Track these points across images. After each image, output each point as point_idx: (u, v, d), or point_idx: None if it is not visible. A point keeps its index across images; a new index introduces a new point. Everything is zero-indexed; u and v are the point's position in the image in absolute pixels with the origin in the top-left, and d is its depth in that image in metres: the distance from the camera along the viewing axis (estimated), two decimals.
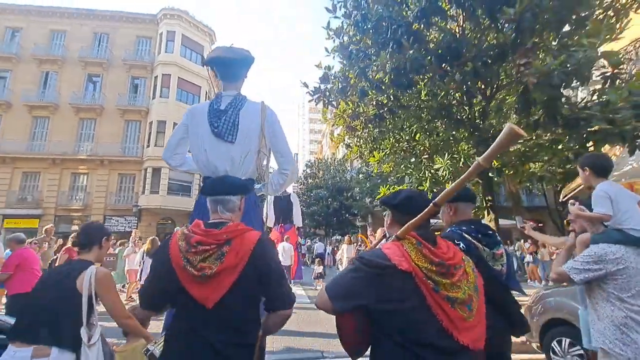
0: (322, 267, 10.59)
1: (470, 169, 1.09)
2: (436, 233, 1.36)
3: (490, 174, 5.14)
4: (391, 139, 6.20)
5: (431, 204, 1.16)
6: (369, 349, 1.20)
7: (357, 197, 20.16)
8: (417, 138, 5.83)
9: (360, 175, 19.17)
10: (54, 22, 21.84)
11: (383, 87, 4.65)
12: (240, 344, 1.28)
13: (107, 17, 22.24)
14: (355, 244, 12.12)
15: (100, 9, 22.34)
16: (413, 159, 6.50)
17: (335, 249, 18.10)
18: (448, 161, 4.89)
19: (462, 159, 5.14)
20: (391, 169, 7.45)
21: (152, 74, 21.72)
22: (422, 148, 6.02)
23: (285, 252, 10.08)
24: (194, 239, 1.30)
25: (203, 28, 23.62)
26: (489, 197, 5.26)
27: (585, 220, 2.22)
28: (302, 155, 51.30)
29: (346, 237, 12.33)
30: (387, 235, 1.39)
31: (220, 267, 1.26)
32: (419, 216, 1.15)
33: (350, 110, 5.69)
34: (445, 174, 5.11)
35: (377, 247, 1.35)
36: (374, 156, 6.40)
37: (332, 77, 5.43)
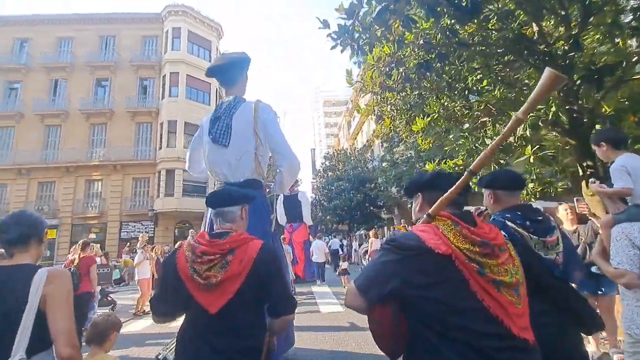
0: (346, 262, 10.13)
1: (509, 124, 0.97)
2: None
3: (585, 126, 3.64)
4: (441, 99, 4.77)
5: (467, 172, 1.01)
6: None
7: (382, 188, 18.69)
8: (482, 87, 4.30)
9: (385, 164, 17.67)
10: (60, 29, 21.49)
11: (438, 9, 3.26)
12: (245, 348, 1.33)
13: (111, 20, 21.72)
14: (382, 238, 11.19)
15: (104, 12, 21.86)
16: (467, 125, 5.05)
17: (360, 245, 16.85)
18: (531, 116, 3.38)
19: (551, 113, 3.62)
20: (431, 143, 5.97)
21: (160, 73, 21.02)
22: (482, 107, 4.56)
23: (319, 250, 9.86)
24: (199, 249, 1.36)
25: (209, 23, 22.73)
26: (588, 163, 3.75)
27: (606, 197, 2.16)
28: (320, 150, 50.20)
29: (372, 231, 11.69)
30: (415, 219, 1.20)
31: (224, 276, 1.31)
32: (453, 187, 1.02)
33: (387, 58, 4.21)
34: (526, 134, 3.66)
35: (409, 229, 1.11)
36: (416, 124, 4.97)
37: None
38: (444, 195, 1.03)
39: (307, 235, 10.14)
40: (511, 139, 4.20)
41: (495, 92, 4.17)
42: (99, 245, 10.22)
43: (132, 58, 20.99)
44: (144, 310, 7.48)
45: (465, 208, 1.29)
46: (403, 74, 4.11)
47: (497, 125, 4.55)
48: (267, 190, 2.51)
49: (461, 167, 4.87)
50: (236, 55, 2.19)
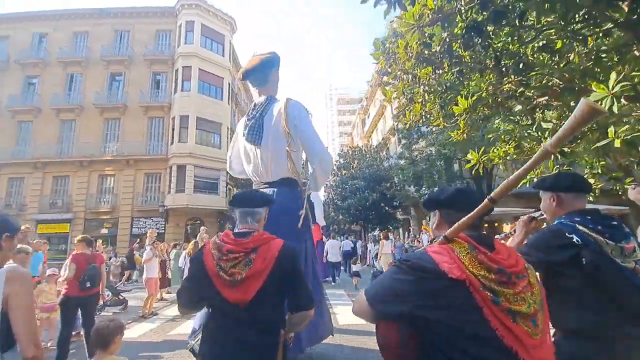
0: (358, 264, 10.23)
1: (535, 156, 0.93)
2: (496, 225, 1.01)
3: None
4: (487, 77, 3.94)
5: (486, 199, 0.97)
6: None
7: (399, 187, 17.82)
8: (556, 48, 3.36)
9: (403, 161, 16.79)
10: (76, 24, 21.54)
11: None
12: (267, 340, 1.42)
13: (126, 14, 21.60)
14: (392, 240, 11.02)
15: (119, 6, 21.71)
16: (518, 107, 4.22)
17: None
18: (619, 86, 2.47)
19: None
20: (466, 133, 5.13)
21: (172, 67, 20.75)
22: (541, 83, 3.69)
23: (333, 249, 9.91)
24: (225, 247, 1.45)
25: (223, 16, 22.31)
26: None
27: None
28: (332, 149, 49.49)
29: (382, 232, 11.37)
30: (433, 237, 1.16)
31: (248, 273, 1.40)
32: (472, 213, 0.97)
33: (430, 15, 3.35)
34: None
35: (422, 248, 1.08)
36: (457, 105, 4.15)
37: None
38: (462, 219, 0.98)
39: (320, 235, 9.97)
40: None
41: (573, 58, 3.30)
42: (101, 241, 9.80)
43: (146, 52, 20.80)
44: (152, 312, 6.99)
45: (527, 213, 1.47)
46: (447, 39, 3.31)
47: (558, 107, 3.70)
48: (305, 187, 2.33)
49: (514, 157, 4.06)
50: (266, 55, 2.19)
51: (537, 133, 3.73)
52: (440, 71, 4.46)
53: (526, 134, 4.02)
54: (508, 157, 4.15)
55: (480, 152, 4.14)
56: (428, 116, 5.55)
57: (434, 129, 16.67)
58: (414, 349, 0.94)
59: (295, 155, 2.06)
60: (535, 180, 2.14)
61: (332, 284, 9.73)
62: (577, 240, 1.29)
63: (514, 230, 1.97)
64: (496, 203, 0.98)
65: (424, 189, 15.33)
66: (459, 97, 4.12)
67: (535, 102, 3.95)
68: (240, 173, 2.46)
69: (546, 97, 3.88)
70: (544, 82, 3.63)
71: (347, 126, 49.10)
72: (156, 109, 20.35)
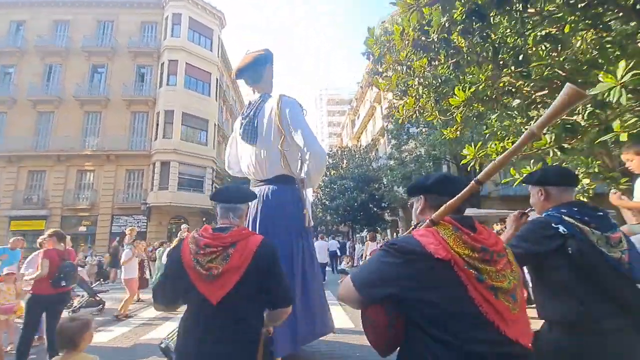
0: (345, 262, 10.66)
1: (521, 137, 0.98)
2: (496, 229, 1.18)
3: None
4: (485, 69, 3.76)
5: (473, 181, 1.01)
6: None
7: (388, 188, 17.72)
8: (563, 33, 3.15)
9: (392, 162, 16.69)
10: (57, 12, 20.63)
11: None
12: (245, 336, 1.39)
13: (110, 4, 20.82)
14: (379, 242, 10.84)
15: None
16: (516, 102, 4.06)
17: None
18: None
19: None
20: (459, 130, 4.97)
21: (158, 61, 20.11)
22: (540, 76, 3.52)
23: (321, 250, 9.54)
24: (202, 241, 1.43)
25: (211, 10, 21.80)
26: None
27: (625, 209, 2.26)
28: None
29: (369, 234, 11.28)
30: (416, 223, 1.18)
31: (225, 267, 1.38)
32: (459, 195, 1.01)
33: None
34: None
35: (407, 232, 1.13)
36: (453, 97, 3.95)
37: None
38: (449, 202, 1.02)
39: None
40: (579, 118, 3.22)
41: (581, 45, 3.11)
42: (69, 238, 9.24)
43: (130, 44, 20.10)
44: (127, 314, 6.57)
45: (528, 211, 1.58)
46: (446, 25, 3.10)
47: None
48: (302, 185, 2.29)
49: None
50: (258, 52, 2.16)
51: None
52: (436, 63, 4.27)
53: (523, 130, 3.85)
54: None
55: (476, 148, 3.97)
56: (422, 111, 5.36)
57: (423, 130, 16.63)
58: (401, 329, 0.99)
59: (289, 153, 2.04)
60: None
61: (323, 282, 9.56)
62: (564, 230, 1.32)
63: (504, 228, 2.01)
64: (482, 184, 1.02)
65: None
66: (456, 88, 3.93)
67: (533, 97, 3.80)
68: (239, 172, 2.45)
69: (545, 92, 3.74)
70: (545, 74, 3.47)
71: (336, 127, 48.91)
72: (140, 103, 19.67)
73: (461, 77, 4.17)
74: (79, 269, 8.44)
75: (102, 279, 10.61)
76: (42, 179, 18.79)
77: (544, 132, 3.41)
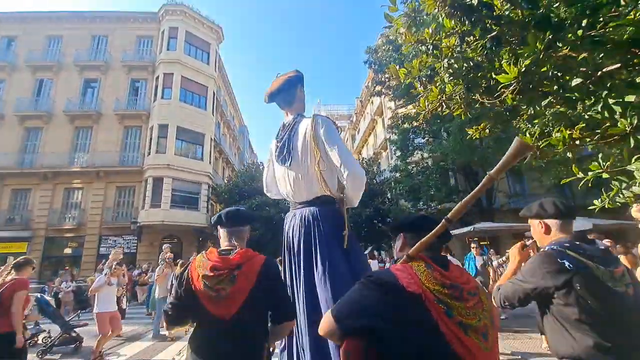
0: None
1: (483, 181, 1.08)
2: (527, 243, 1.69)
3: None
4: (541, 36, 2.84)
5: (443, 220, 1.09)
6: None
7: (393, 201, 16.73)
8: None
9: (397, 174, 15.77)
10: (50, 27, 20.21)
11: None
12: (252, 352, 1.48)
13: (105, 18, 20.43)
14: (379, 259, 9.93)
15: (98, 10, 20.60)
16: (578, 80, 3.12)
17: None
18: None
19: None
20: (489, 127, 4.07)
21: (153, 75, 19.50)
22: (625, 38, 2.60)
23: None
24: (210, 265, 1.50)
25: (209, 24, 21.45)
26: None
27: None
28: None
29: (369, 252, 10.35)
30: (396, 258, 1.25)
31: (233, 289, 1.46)
32: (431, 233, 1.09)
33: None
34: None
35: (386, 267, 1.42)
36: (502, 72, 3.00)
37: None
38: (422, 239, 1.09)
39: None
40: None
41: None
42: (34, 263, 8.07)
43: (124, 58, 19.54)
44: (101, 354, 5.36)
45: (526, 229, 1.75)
46: None
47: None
48: (342, 204, 2.11)
49: (586, 140, 2.96)
50: (289, 74, 2.18)
51: (604, 114, 2.60)
52: (470, 39, 3.36)
53: (587, 116, 2.91)
54: (572, 142, 3.00)
55: (535, 135, 2.99)
56: (448, 103, 4.45)
57: (429, 139, 15.85)
58: None
59: (326, 173, 1.90)
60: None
61: None
62: (569, 266, 1.33)
63: (503, 259, 2.06)
64: (452, 222, 1.09)
65: (421, 203, 14.28)
66: (504, 63, 2.95)
67: (603, 72, 2.84)
68: (277, 194, 2.39)
69: (618, 66, 2.78)
70: (625, 37, 2.53)
71: None
72: (133, 118, 18.88)
73: (496, 61, 3.29)
74: (47, 298, 7.28)
75: (80, 309, 9.36)
76: (27, 198, 17.71)
77: (617, 116, 2.48)
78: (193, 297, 1.47)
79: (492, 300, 1.62)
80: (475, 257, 6.33)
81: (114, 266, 6.03)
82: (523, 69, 2.82)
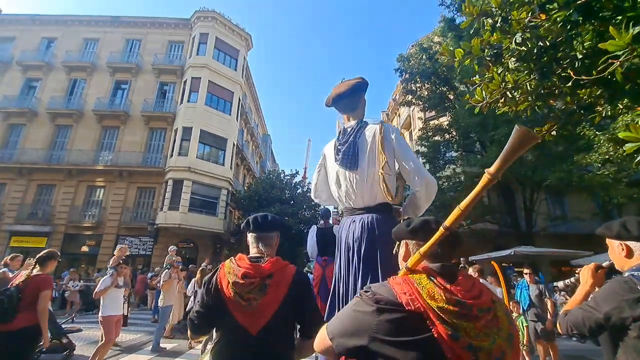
0: None
1: (480, 182, 0.93)
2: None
3: None
4: None
5: (441, 227, 0.96)
6: None
7: (423, 216, 15.63)
8: None
9: None
10: (87, 30, 20.93)
11: None
12: None
13: (139, 23, 20.97)
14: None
15: (133, 15, 21.17)
16: None
17: None
18: None
19: None
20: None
21: (181, 79, 19.64)
22: None
23: None
24: (241, 272, 1.43)
25: (239, 32, 21.60)
26: None
27: None
28: None
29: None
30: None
31: (264, 298, 1.39)
32: (428, 242, 0.96)
33: None
34: None
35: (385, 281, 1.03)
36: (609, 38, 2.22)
37: None
38: (421, 249, 0.98)
39: None
40: None
41: None
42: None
43: (155, 62, 19.82)
44: None
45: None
46: None
47: None
48: (398, 215, 2.08)
49: None
50: (355, 80, 2.16)
51: None
52: (554, 5, 2.62)
53: None
54: None
55: None
56: (513, 93, 3.65)
57: (462, 153, 14.86)
58: None
59: (389, 179, 1.87)
60: None
61: None
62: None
63: (571, 281, 1.84)
64: (450, 231, 0.95)
65: None
66: (610, 28, 2.15)
67: None
68: (327, 200, 2.30)
69: None
70: None
71: None
72: (159, 120, 18.95)
73: (577, 40, 2.53)
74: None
75: (84, 309, 8.91)
76: (51, 194, 17.88)
77: None
78: (222, 305, 1.41)
79: (557, 326, 1.49)
80: (528, 285, 5.34)
81: (120, 264, 5.45)
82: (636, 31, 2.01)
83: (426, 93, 15.65)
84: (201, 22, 20.23)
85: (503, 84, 3.58)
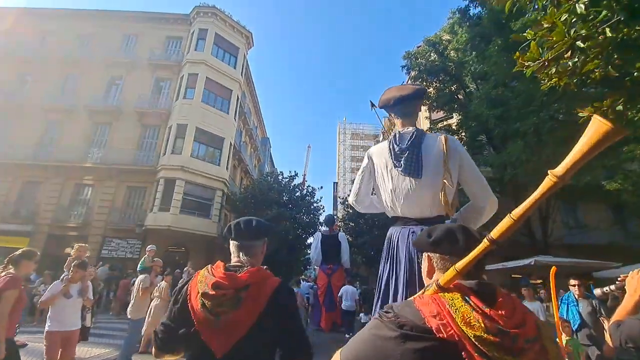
0: (368, 316, 9.00)
1: (541, 186, 0.79)
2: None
3: None
4: None
5: (485, 240, 0.82)
6: None
7: None
8: None
9: None
10: (81, 25, 20.22)
11: None
12: None
13: (136, 18, 20.29)
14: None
15: (130, 10, 20.55)
16: None
17: None
18: None
19: None
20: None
21: (178, 75, 18.87)
22: None
23: (349, 296, 8.70)
24: (212, 281, 1.25)
25: (240, 29, 20.91)
26: None
27: None
28: (343, 184, 46.63)
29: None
30: (427, 286, 0.93)
31: (235, 314, 1.20)
32: (468, 256, 0.82)
33: None
34: None
35: (409, 300, 0.89)
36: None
37: None
38: (457, 264, 0.82)
39: (344, 279, 8.51)
40: None
41: None
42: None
43: (151, 57, 19.09)
44: None
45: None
46: None
47: None
48: None
49: None
50: (416, 86, 2.16)
51: None
52: None
53: None
54: None
55: None
56: (582, 47, 2.77)
57: (472, 155, 13.89)
58: None
59: (449, 192, 1.84)
60: None
61: (347, 336, 8.08)
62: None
63: (610, 289, 1.81)
64: (496, 244, 0.81)
65: None
66: None
67: None
68: (368, 208, 2.20)
69: None
70: None
71: (359, 162, 46.78)
72: (153, 117, 18.11)
73: None
74: None
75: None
76: (36, 191, 16.96)
77: None
78: (188, 319, 1.22)
79: (608, 339, 1.38)
80: (577, 300, 4.31)
81: (72, 268, 4.42)
82: None
83: (434, 92, 14.76)
84: (200, 18, 19.56)
85: (574, 65, 2.78)
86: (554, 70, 3.85)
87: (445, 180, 1.81)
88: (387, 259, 1.97)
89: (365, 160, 2.12)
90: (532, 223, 13.01)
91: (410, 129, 2.00)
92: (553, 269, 2.53)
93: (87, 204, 16.81)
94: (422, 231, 1.02)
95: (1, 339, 2.77)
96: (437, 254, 0.92)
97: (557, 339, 3.27)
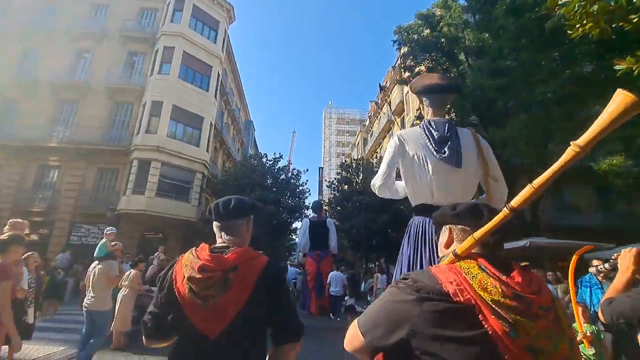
0: (352, 299, 9.43)
1: (563, 156, 0.77)
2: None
3: None
4: None
5: (504, 208, 0.82)
6: None
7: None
8: None
9: None
10: None
11: None
12: None
13: None
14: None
15: None
16: None
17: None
18: None
19: None
20: None
21: (153, 48, 17.45)
22: None
23: (337, 281, 8.99)
24: (198, 264, 1.20)
25: (220, 1, 19.50)
26: None
27: None
28: (329, 169, 46.06)
29: (377, 265, 10.19)
30: (442, 257, 0.96)
31: (224, 296, 1.17)
32: (488, 224, 0.83)
33: None
34: None
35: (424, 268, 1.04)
36: None
37: None
38: (475, 233, 0.85)
39: (332, 265, 8.38)
40: None
41: None
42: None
43: (122, 28, 17.55)
44: None
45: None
46: None
47: None
48: None
49: None
50: (454, 79, 2.30)
51: None
52: None
53: None
54: None
55: None
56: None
57: None
58: None
59: (482, 182, 1.90)
60: None
61: (338, 320, 8.80)
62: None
63: (605, 266, 1.91)
64: (516, 213, 0.82)
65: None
66: None
67: None
68: (393, 195, 2.07)
69: None
70: None
71: (345, 147, 46.25)
72: (125, 93, 16.75)
73: None
74: None
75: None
76: None
77: None
78: (175, 304, 1.18)
79: (600, 315, 1.37)
80: (600, 282, 3.80)
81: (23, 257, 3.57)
82: None
83: (425, 70, 14.10)
84: None
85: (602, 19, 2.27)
86: (596, 7, 3.23)
87: (484, 172, 1.83)
88: (415, 246, 1.85)
89: (396, 144, 1.97)
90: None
91: (442, 118, 1.98)
92: (580, 250, 2.03)
93: (53, 186, 15.49)
94: (444, 206, 1.01)
95: (12, 329, 2.73)
96: (460, 226, 0.92)
97: (577, 325, 2.75)
